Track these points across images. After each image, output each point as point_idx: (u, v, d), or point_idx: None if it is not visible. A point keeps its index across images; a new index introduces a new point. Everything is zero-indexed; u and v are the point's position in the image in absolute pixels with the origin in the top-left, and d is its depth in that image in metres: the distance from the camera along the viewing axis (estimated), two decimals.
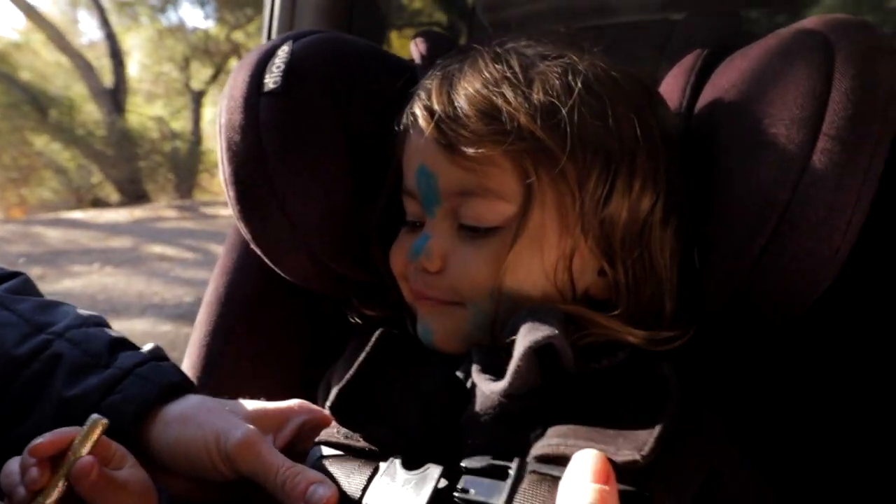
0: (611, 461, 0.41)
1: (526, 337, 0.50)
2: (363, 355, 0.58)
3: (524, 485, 0.45)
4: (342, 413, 0.55)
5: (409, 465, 0.51)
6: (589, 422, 0.47)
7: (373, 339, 0.58)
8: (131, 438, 0.55)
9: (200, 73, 11.84)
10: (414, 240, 0.62)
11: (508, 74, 0.58)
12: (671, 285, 0.59)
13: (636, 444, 0.43)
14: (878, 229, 0.56)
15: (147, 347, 0.63)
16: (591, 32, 0.76)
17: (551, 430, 0.48)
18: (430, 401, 0.55)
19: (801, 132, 0.52)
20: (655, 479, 0.45)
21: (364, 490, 0.51)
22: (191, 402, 0.58)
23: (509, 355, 0.51)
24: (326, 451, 0.56)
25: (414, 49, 0.88)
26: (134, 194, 9.32)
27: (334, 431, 0.57)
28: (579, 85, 0.57)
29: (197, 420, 0.55)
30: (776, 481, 0.55)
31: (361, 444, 0.54)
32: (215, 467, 0.53)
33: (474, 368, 0.53)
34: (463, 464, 0.49)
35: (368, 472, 0.52)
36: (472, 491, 0.47)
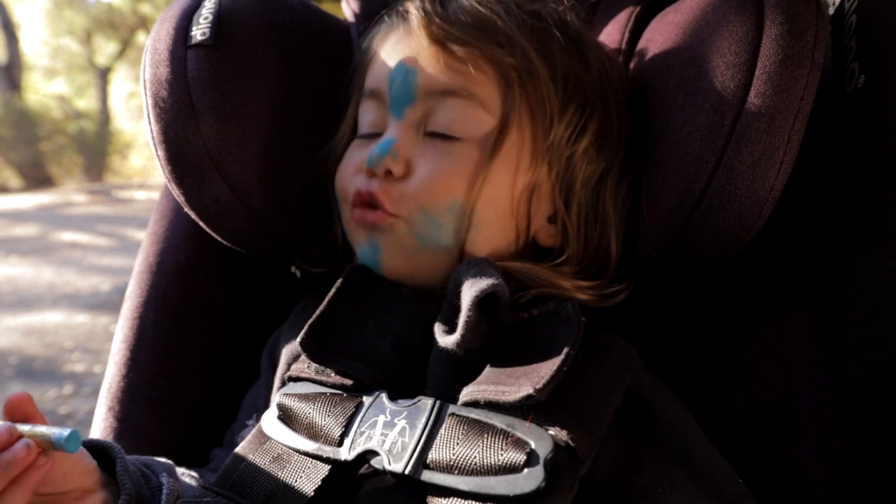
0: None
1: (471, 288, 0.50)
2: (333, 290, 0.57)
3: (444, 427, 0.48)
4: (313, 349, 0.54)
5: (395, 398, 0.51)
6: (507, 366, 0.50)
7: (343, 274, 0.58)
8: None
9: (105, 48, 11.13)
10: (370, 146, 0.59)
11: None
12: (618, 234, 0.61)
13: (534, 380, 0.46)
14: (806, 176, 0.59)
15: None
16: None
17: (477, 378, 0.50)
18: (402, 341, 0.55)
19: (737, 77, 0.54)
20: (561, 410, 0.47)
21: (346, 426, 0.50)
22: None
23: (458, 308, 0.51)
24: (297, 388, 0.55)
25: (346, 8, 0.85)
26: (37, 178, 8.70)
27: (304, 367, 0.56)
28: (575, 23, 0.61)
29: None
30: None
31: (334, 379, 0.54)
32: None
33: (437, 321, 0.53)
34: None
35: (350, 408, 0.51)
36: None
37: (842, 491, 0.55)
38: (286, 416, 0.54)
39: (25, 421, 0.44)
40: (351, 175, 0.61)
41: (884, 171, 0.57)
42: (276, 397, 0.56)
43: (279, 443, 0.53)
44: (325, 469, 0.50)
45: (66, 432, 0.43)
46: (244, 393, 0.70)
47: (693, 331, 0.67)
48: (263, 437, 0.54)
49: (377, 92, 0.61)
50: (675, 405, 0.55)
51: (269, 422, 0.54)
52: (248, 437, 0.56)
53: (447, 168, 0.57)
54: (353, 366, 0.53)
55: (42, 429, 0.44)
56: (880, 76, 0.58)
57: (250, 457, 0.53)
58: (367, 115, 0.62)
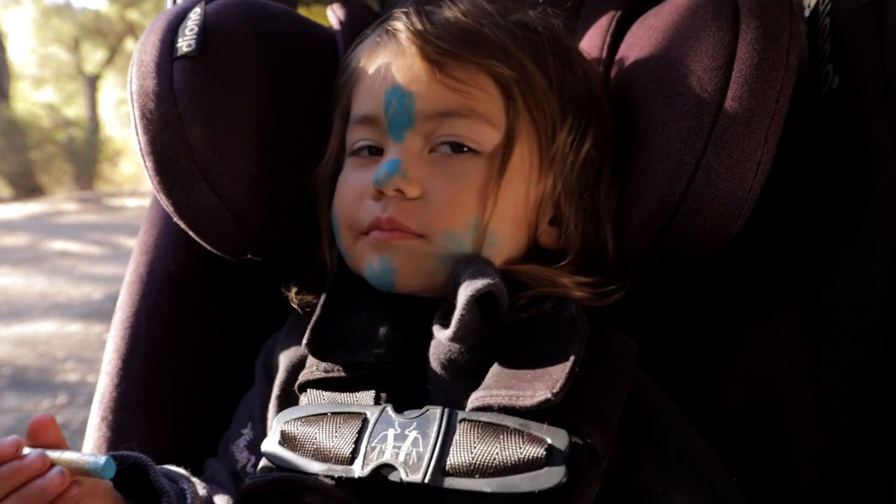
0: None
1: (468, 287, 0.51)
2: (323, 296, 0.59)
3: (458, 433, 0.47)
4: (317, 347, 0.56)
5: (401, 409, 0.51)
6: (515, 368, 0.50)
7: (329, 281, 0.60)
8: None
9: (93, 56, 11.08)
10: (370, 169, 0.58)
11: (490, 9, 0.60)
12: (612, 232, 0.62)
13: (549, 384, 0.46)
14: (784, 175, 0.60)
15: None
16: None
17: (484, 381, 0.51)
18: (396, 330, 0.56)
19: (714, 81, 0.56)
20: (575, 410, 0.48)
21: (356, 443, 0.49)
22: None
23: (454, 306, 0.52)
24: (296, 412, 0.54)
25: (332, 16, 0.86)
26: (27, 188, 8.65)
27: (313, 369, 0.56)
28: (558, 30, 0.62)
29: None
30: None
31: (342, 374, 0.55)
32: None
33: (435, 318, 0.54)
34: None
35: (357, 425, 0.50)
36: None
37: (825, 484, 0.56)
38: (291, 444, 0.52)
39: (52, 446, 0.43)
40: (356, 201, 0.59)
41: (859, 171, 0.58)
42: (277, 423, 0.54)
43: (286, 469, 0.51)
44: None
45: (101, 460, 0.42)
46: (237, 401, 0.70)
47: (679, 332, 0.68)
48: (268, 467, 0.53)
49: (371, 117, 0.59)
50: (670, 404, 0.56)
51: (272, 448, 0.53)
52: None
53: (462, 187, 0.56)
54: (356, 354, 0.55)
55: (73, 455, 0.42)
56: (854, 77, 0.59)
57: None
58: (361, 136, 0.61)
